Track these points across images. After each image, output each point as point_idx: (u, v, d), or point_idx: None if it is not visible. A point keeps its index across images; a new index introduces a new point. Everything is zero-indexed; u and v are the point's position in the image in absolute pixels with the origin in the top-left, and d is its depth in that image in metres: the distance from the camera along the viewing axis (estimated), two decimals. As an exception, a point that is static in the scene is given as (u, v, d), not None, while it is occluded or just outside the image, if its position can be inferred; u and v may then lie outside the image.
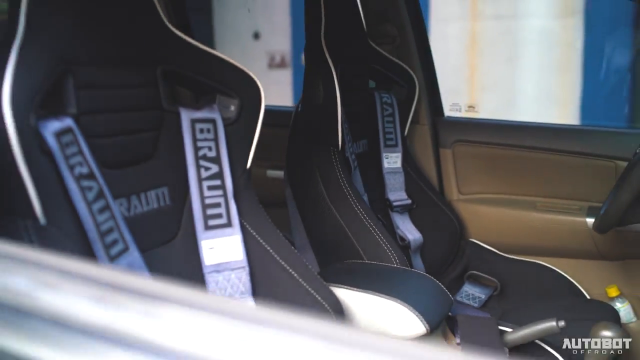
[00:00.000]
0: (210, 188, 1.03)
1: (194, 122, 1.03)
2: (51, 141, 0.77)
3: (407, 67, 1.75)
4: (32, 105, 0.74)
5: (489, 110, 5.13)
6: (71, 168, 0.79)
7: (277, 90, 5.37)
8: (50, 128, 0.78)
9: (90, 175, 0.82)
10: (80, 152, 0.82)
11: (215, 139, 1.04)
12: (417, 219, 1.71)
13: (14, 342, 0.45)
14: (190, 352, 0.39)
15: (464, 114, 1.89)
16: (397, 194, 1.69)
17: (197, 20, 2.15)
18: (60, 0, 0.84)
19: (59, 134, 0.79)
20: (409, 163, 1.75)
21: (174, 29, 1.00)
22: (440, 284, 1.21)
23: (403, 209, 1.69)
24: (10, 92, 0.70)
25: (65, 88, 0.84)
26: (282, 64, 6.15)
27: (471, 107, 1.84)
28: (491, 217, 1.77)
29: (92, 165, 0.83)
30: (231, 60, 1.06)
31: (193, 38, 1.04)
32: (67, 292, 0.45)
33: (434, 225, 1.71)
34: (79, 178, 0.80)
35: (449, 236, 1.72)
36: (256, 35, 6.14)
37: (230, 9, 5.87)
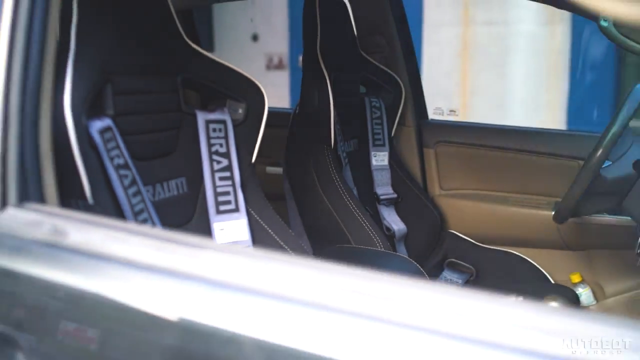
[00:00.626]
0: (221, 179, 1.22)
1: (208, 122, 1.21)
2: (96, 137, 0.95)
3: (394, 75, 1.94)
4: (83, 108, 0.92)
5: (479, 113, 5.31)
6: (111, 159, 0.98)
7: (274, 91, 5.53)
8: (95, 127, 0.96)
9: (126, 166, 1.01)
10: (118, 146, 1.00)
11: (226, 137, 1.23)
12: (401, 211, 1.90)
13: (93, 280, 0.64)
14: (220, 280, 0.58)
15: (446, 117, 2.07)
16: (384, 189, 1.88)
17: (196, 22, 2.30)
18: (102, 22, 1.02)
19: (101, 132, 0.97)
20: (395, 161, 1.94)
21: (192, 44, 1.18)
22: (417, 264, 1.39)
23: (389, 202, 1.88)
24: (70, 98, 0.88)
25: (106, 93, 1.02)
26: (279, 66, 6.31)
27: (452, 111, 2.03)
28: (469, 211, 1.96)
29: (126, 157, 1.02)
30: (239, 70, 1.24)
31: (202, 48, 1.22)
32: (133, 244, 0.63)
33: (417, 217, 1.90)
34: (117, 168, 0.98)
35: (431, 227, 1.91)
36: (255, 37, 6.31)
37: (229, 10, 6.02)
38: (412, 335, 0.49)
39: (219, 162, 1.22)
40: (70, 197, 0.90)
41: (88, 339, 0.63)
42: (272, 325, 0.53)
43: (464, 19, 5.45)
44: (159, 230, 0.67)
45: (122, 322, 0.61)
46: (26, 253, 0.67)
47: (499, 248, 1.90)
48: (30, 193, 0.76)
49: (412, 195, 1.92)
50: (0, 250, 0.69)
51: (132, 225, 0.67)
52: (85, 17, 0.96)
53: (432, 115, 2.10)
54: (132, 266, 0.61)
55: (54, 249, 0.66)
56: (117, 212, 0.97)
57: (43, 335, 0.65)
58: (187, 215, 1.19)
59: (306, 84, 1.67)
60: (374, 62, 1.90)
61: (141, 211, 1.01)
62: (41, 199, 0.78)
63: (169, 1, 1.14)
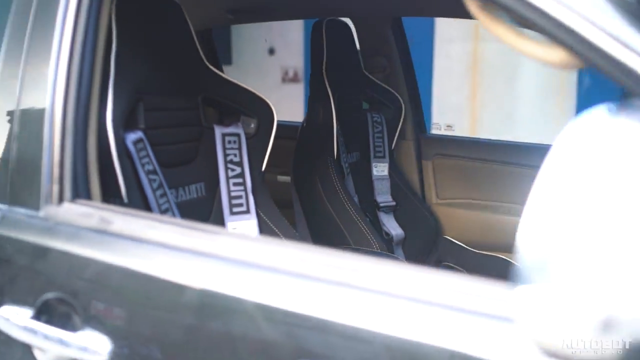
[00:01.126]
0: (234, 184, 1.40)
1: (224, 135, 1.40)
2: (131, 148, 1.14)
3: (395, 93, 2.11)
4: (121, 123, 1.11)
5: (489, 126, 5.45)
6: (142, 166, 1.16)
7: (289, 103, 5.72)
8: (130, 138, 1.15)
9: (154, 171, 1.19)
10: (148, 155, 1.19)
11: (239, 148, 1.41)
12: (400, 218, 2.06)
13: (134, 258, 0.82)
14: (234, 257, 0.75)
15: (443, 131, 2.24)
16: (383, 197, 2.05)
17: (215, 36, 2.47)
18: (135, 52, 1.20)
19: (135, 142, 1.16)
20: (395, 172, 2.10)
21: (211, 67, 1.37)
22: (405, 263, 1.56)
23: (388, 209, 2.05)
24: (112, 115, 1.06)
25: (138, 110, 1.21)
26: (295, 79, 6.51)
27: (449, 127, 2.19)
28: (463, 219, 2.12)
29: (155, 165, 1.20)
30: (252, 89, 1.42)
31: (221, 71, 1.40)
32: (164, 230, 0.81)
33: (414, 223, 2.06)
34: (147, 173, 1.17)
35: (427, 233, 2.07)
36: (271, 51, 6.54)
37: (247, 25, 6.23)
38: (383, 299, 0.66)
39: (233, 170, 1.40)
40: (109, 196, 1.08)
41: (129, 305, 0.81)
42: (271, 291, 0.71)
43: (475, 35, 5.60)
44: (184, 221, 0.85)
45: (156, 290, 0.79)
46: (80, 238, 0.86)
47: (490, 253, 2.05)
48: (80, 191, 0.94)
49: (410, 203, 2.08)
50: (60, 236, 0.87)
51: (163, 217, 0.85)
52: (122, 48, 1.14)
53: (431, 130, 2.26)
54: (164, 247, 0.79)
55: (102, 235, 0.84)
56: (147, 210, 1.16)
57: (93, 303, 0.83)
58: (204, 215, 1.37)
59: (312, 101, 1.85)
60: (376, 80, 2.08)
61: (166, 210, 1.19)
62: (88, 196, 0.96)
63: (192, 31, 1.33)
